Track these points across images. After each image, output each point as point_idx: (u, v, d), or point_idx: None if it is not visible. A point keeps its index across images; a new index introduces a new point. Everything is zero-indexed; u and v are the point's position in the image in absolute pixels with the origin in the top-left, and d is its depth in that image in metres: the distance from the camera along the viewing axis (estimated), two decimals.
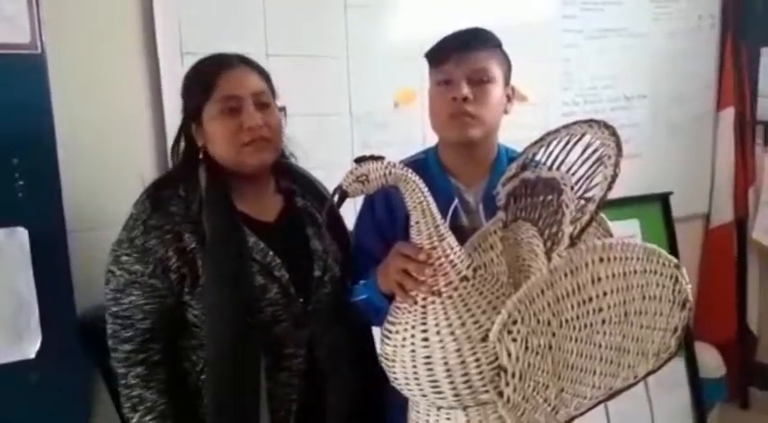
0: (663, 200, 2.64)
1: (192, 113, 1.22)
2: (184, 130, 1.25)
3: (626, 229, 2.46)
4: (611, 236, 1.08)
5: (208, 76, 1.20)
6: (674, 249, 2.57)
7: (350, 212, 1.33)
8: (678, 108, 2.88)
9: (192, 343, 1.20)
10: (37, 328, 1.43)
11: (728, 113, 2.93)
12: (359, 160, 0.99)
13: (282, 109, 1.28)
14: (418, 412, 1.07)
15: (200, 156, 1.23)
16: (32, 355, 1.43)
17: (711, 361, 2.79)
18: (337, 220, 1.33)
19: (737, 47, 2.90)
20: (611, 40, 2.66)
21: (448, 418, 1.02)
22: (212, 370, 1.15)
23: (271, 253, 1.20)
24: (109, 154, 1.72)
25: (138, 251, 1.15)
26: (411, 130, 2.01)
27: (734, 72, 2.91)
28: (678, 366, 2.55)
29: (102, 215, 1.56)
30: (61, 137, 1.49)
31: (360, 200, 1.35)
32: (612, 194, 2.53)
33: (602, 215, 1.08)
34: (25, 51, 1.44)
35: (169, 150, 1.29)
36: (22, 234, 1.42)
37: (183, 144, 1.26)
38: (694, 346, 2.61)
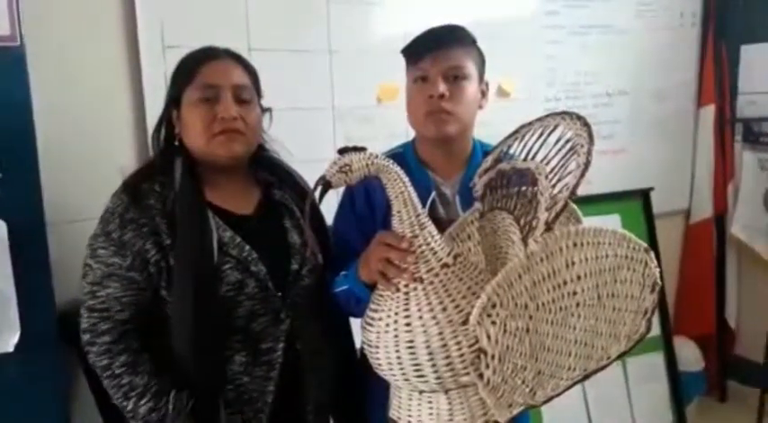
0: (644, 195, 2.67)
1: (173, 99, 1.22)
2: (166, 116, 1.25)
3: (607, 225, 2.48)
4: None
5: (193, 64, 1.21)
6: (654, 244, 2.60)
7: (332, 205, 1.33)
8: (659, 105, 2.92)
9: (168, 341, 1.19)
10: (16, 321, 1.42)
11: (709, 110, 2.97)
12: (342, 151, 1.01)
13: (268, 110, 1.29)
14: (400, 397, 1.08)
15: (177, 143, 1.23)
16: (11, 349, 1.42)
17: (690, 355, 2.83)
18: (316, 212, 1.34)
19: (718, 44, 2.95)
20: (594, 37, 2.69)
21: (430, 402, 1.04)
22: (175, 350, 1.15)
23: (247, 247, 1.20)
24: (89, 147, 1.72)
25: (114, 244, 1.15)
26: (394, 125, 2.02)
27: (714, 69, 2.95)
28: (657, 360, 2.59)
29: (83, 208, 1.55)
30: (41, 130, 1.48)
31: (339, 192, 1.36)
32: (594, 190, 2.55)
33: (575, 206, 1.10)
34: (4, 44, 1.43)
35: (149, 137, 1.29)
36: (0, 227, 1.41)
37: (164, 132, 1.26)
38: (673, 340, 2.65)
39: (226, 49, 1.26)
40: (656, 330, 2.56)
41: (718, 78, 2.96)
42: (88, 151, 1.71)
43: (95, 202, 1.24)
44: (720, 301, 3.05)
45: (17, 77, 1.44)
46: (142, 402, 1.13)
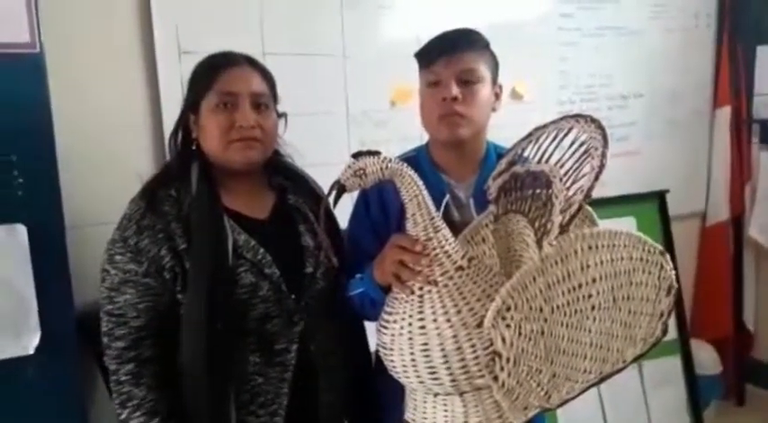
0: (659, 198, 2.66)
1: (191, 104, 1.23)
2: (183, 120, 1.26)
3: (622, 228, 2.47)
4: None
5: (212, 70, 1.22)
6: (670, 247, 2.58)
7: (345, 210, 1.34)
8: (675, 106, 2.90)
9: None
10: (36, 324, 1.44)
11: (725, 112, 2.95)
12: (356, 155, 1.01)
13: (283, 115, 1.30)
14: (415, 400, 1.09)
15: (194, 147, 1.24)
16: (31, 351, 1.44)
17: (708, 358, 2.81)
18: (330, 216, 1.34)
19: (734, 45, 2.93)
20: (608, 39, 2.68)
21: (444, 405, 1.04)
22: (186, 353, 1.16)
23: (261, 250, 1.20)
24: (107, 151, 1.74)
25: (131, 250, 1.15)
26: (408, 129, 2.03)
27: (730, 70, 2.93)
28: (674, 363, 2.57)
29: (101, 212, 1.57)
30: (60, 134, 1.50)
31: (354, 196, 1.37)
32: (609, 192, 2.52)
33: (590, 209, 1.10)
34: (24, 50, 1.45)
35: (167, 141, 1.30)
36: (20, 231, 1.43)
37: (180, 136, 1.27)
38: (690, 343, 2.63)
39: (245, 55, 1.27)
40: (672, 333, 2.54)
41: (733, 79, 2.94)
42: (106, 156, 1.73)
43: (114, 205, 1.26)
44: (738, 303, 3.02)
45: (36, 83, 1.47)
46: (135, 415, 1.14)
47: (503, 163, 1.22)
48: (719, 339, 2.93)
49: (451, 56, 1.24)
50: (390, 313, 1.07)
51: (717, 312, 2.99)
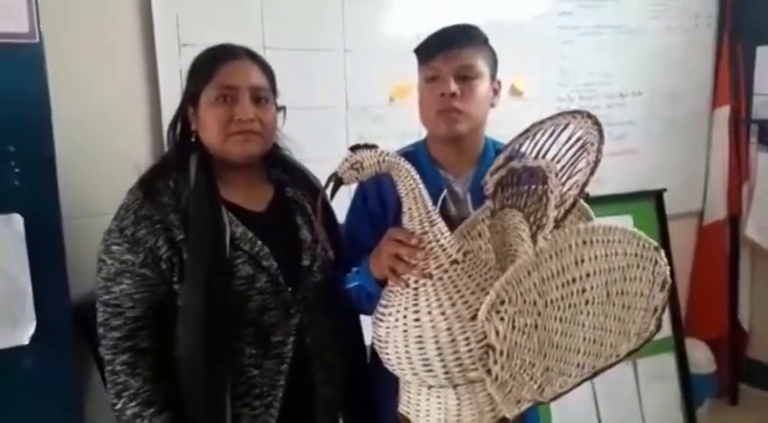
0: (657, 196, 2.66)
1: (190, 96, 1.23)
2: (182, 112, 1.26)
3: (618, 224, 2.48)
4: None
5: (211, 62, 1.22)
6: (666, 246, 2.58)
7: (342, 204, 1.34)
8: (673, 105, 2.91)
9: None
10: (31, 314, 1.44)
11: (723, 111, 2.96)
12: (353, 148, 1.02)
13: (282, 108, 1.30)
14: (409, 392, 1.10)
15: (193, 140, 1.24)
16: (26, 342, 1.44)
17: (702, 357, 2.82)
18: (327, 209, 1.34)
19: (733, 45, 2.94)
20: (608, 37, 2.68)
21: (438, 397, 1.05)
22: (183, 344, 1.16)
23: (259, 243, 1.21)
24: (105, 142, 1.74)
25: (128, 241, 1.15)
26: (406, 124, 2.02)
27: (729, 70, 2.94)
28: (668, 362, 2.58)
29: (98, 202, 1.57)
30: (58, 125, 1.50)
31: (352, 190, 1.37)
32: (607, 191, 2.52)
33: (586, 205, 1.11)
34: (23, 40, 1.45)
35: (165, 133, 1.30)
36: (17, 221, 1.42)
37: (179, 128, 1.27)
38: (685, 341, 2.64)
39: (245, 48, 1.27)
40: (667, 331, 2.55)
41: (733, 79, 2.95)
42: (105, 147, 1.73)
43: (111, 196, 1.26)
44: (733, 303, 3.04)
45: (36, 74, 1.46)
46: (130, 405, 1.14)
47: (500, 158, 1.22)
48: (714, 338, 2.95)
49: (449, 51, 1.25)
50: (386, 306, 1.07)
51: (712, 311, 3.00)
